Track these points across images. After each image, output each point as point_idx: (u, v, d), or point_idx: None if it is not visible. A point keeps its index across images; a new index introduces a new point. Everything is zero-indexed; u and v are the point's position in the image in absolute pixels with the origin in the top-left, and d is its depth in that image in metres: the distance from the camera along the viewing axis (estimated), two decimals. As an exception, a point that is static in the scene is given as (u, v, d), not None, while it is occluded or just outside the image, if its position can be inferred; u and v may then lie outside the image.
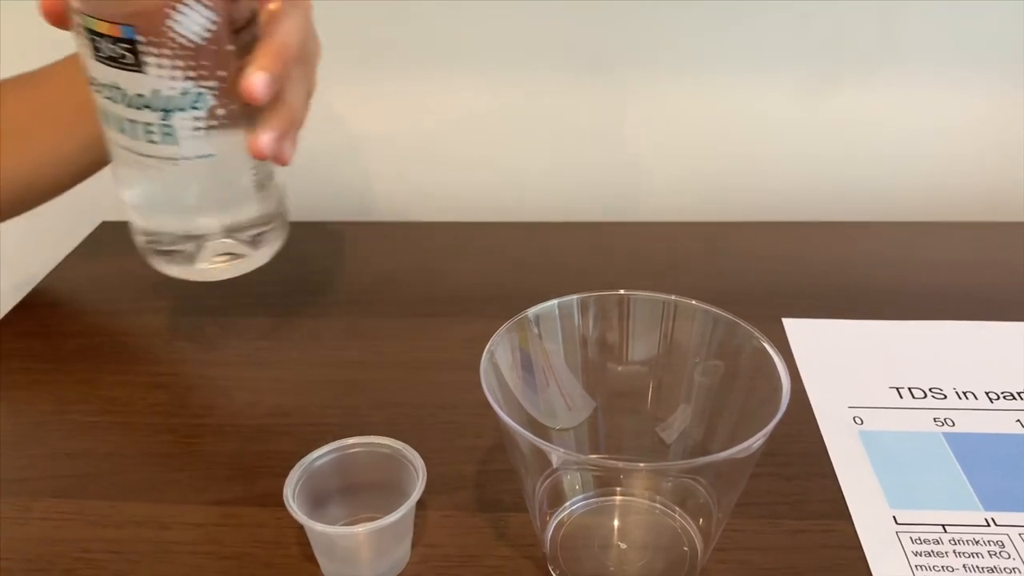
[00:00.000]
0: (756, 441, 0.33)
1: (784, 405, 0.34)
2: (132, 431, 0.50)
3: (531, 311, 0.41)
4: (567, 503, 0.41)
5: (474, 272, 0.66)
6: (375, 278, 0.65)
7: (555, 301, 0.41)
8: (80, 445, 0.49)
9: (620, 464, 0.40)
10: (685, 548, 0.39)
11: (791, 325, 0.56)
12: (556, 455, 0.36)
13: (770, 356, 0.37)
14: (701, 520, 0.39)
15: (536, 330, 0.41)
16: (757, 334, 0.38)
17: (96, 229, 0.75)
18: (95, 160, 0.56)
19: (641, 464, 0.37)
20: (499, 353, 0.39)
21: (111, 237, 0.74)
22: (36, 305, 0.64)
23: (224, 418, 0.51)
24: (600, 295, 0.41)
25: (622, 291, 0.41)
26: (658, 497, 0.40)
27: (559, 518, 0.40)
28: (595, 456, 0.42)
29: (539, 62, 0.72)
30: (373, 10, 0.70)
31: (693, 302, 0.41)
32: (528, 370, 0.41)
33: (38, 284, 0.66)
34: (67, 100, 0.53)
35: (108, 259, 0.71)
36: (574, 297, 0.41)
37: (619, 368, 0.43)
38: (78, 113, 0.51)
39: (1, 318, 0.62)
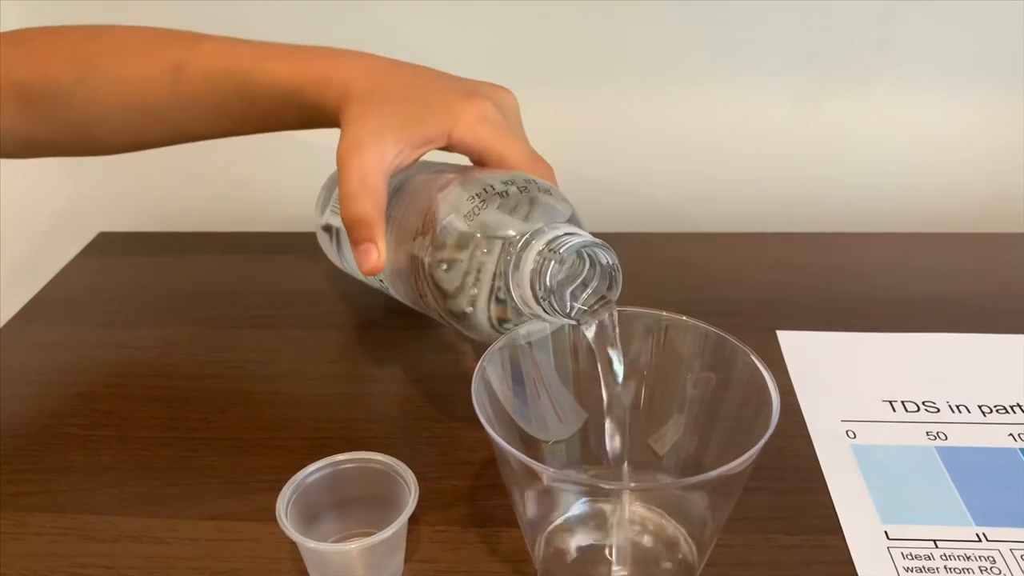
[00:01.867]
0: (746, 460, 0.33)
1: (774, 423, 0.35)
2: (128, 445, 0.50)
3: (522, 329, 0.41)
4: (558, 518, 0.41)
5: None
6: (371, 291, 0.65)
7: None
8: (76, 459, 0.49)
9: (610, 485, 0.40)
10: (679, 561, 0.39)
11: (785, 337, 0.57)
12: (547, 474, 0.36)
13: (761, 372, 0.38)
14: (694, 534, 0.40)
15: (528, 345, 0.41)
16: (747, 350, 0.39)
17: (93, 240, 0.75)
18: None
19: (632, 484, 0.37)
20: (490, 369, 0.39)
21: (108, 248, 0.74)
22: (33, 317, 0.64)
23: (220, 432, 0.51)
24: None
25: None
26: (649, 512, 0.41)
27: (550, 532, 0.40)
28: (586, 473, 0.42)
29: (531, 68, 0.72)
30: (382, 17, 0.70)
31: (684, 318, 0.41)
32: (519, 383, 0.41)
33: (35, 296, 0.66)
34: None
35: (105, 271, 0.71)
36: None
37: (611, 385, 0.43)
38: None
39: (-1, 330, 0.62)
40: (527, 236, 0.39)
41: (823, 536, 0.42)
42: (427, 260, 0.43)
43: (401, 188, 0.48)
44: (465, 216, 0.42)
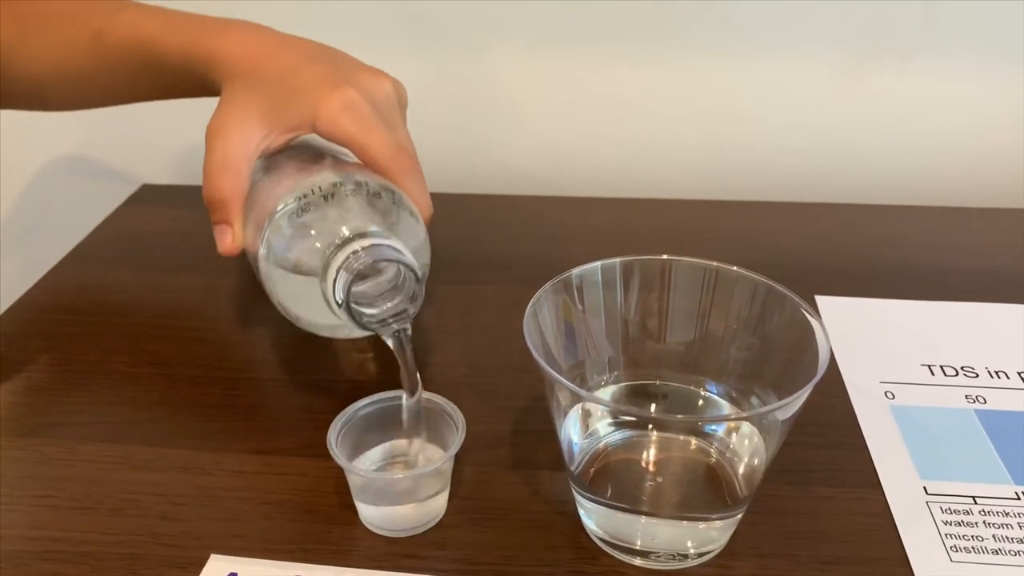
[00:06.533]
0: (795, 399, 0.34)
1: (823, 368, 0.35)
2: (174, 383, 0.51)
3: (575, 271, 0.41)
4: (600, 443, 0.41)
5: (508, 243, 0.67)
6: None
7: (598, 263, 0.42)
8: (124, 394, 0.51)
9: (657, 415, 0.40)
10: (725, 497, 0.40)
11: (824, 302, 0.57)
12: (593, 403, 0.37)
13: (809, 322, 0.38)
14: (737, 474, 0.40)
15: (578, 292, 0.42)
16: (797, 299, 0.39)
17: (137, 191, 0.76)
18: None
19: (679, 416, 0.37)
20: (542, 312, 0.40)
21: (151, 199, 0.75)
22: (82, 259, 0.65)
23: (263, 373, 0.52)
24: (643, 259, 0.42)
25: (665, 256, 0.42)
26: (694, 441, 0.41)
27: (593, 458, 0.41)
28: (632, 407, 0.43)
29: (576, 36, 0.73)
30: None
31: (735, 268, 0.41)
32: (570, 337, 0.42)
33: (83, 240, 0.67)
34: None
35: (148, 220, 0.72)
36: (617, 260, 0.42)
37: (659, 331, 0.43)
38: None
39: (48, 271, 0.63)
40: (336, 244, 0.40)
41: (862, 489, 0.43)
42: (260, 254, 0.44)
43: (270, 170, 0.48)
44: (288, 217, 0.42)
